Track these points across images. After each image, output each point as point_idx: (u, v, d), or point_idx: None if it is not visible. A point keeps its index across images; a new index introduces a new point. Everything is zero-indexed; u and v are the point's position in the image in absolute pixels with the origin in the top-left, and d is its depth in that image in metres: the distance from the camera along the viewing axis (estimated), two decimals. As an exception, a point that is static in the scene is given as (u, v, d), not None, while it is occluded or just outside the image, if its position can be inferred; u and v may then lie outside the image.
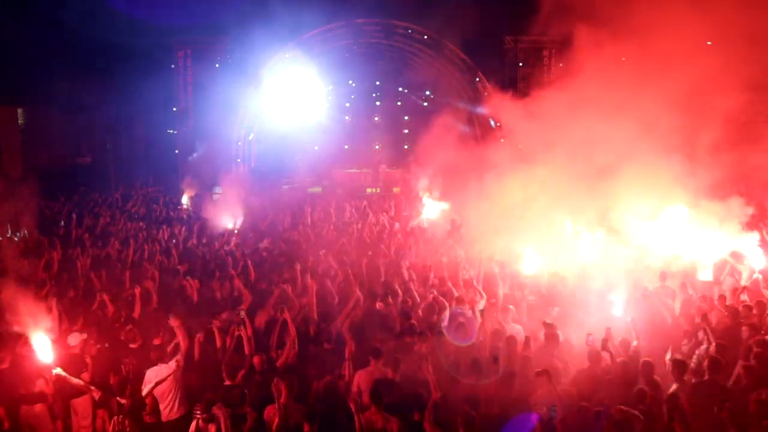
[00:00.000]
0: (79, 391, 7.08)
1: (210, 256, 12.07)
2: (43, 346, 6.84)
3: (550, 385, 6.09)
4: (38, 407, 7.02)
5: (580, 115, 11.86)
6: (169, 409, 6.85)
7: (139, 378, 6.94)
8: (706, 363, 6.50)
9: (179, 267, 10.93)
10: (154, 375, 6.83)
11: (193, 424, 6.01)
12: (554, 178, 12.01)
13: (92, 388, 6.87)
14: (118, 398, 6.52)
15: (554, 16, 13.41)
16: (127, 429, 6.12)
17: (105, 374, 7.23)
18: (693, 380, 6.52)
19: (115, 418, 6.26)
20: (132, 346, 7.79)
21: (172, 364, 6.84)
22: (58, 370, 6.78)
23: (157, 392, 6.79)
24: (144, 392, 6.72)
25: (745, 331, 7.48)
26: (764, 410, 5.51)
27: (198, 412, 5.95)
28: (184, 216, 17.22)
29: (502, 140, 15.27)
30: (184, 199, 20.48)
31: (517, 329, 8.16)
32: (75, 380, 6.90)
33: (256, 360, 7.06)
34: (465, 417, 5.37)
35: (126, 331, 7.98)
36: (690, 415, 5.53)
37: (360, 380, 6.69)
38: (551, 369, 6.44)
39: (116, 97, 23.51)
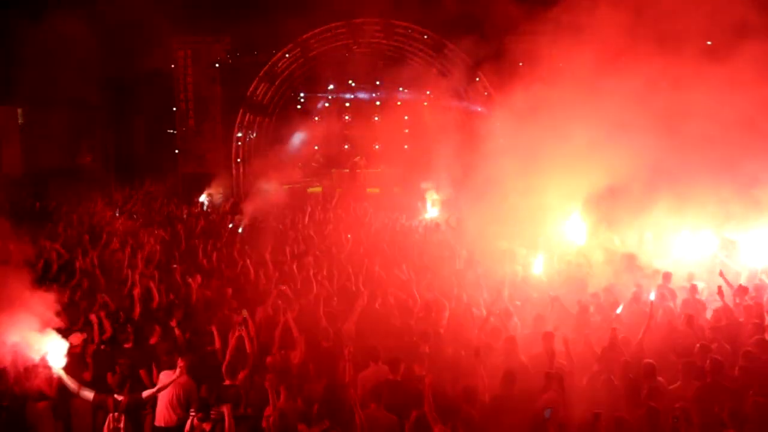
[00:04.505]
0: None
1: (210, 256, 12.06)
2: (56, 347, 6.81)
3: (559, 389, 6.06)
4: (41, 405, 7.01)
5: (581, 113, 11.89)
6: (167, 415, 6.81)
7: (136, 378, 6.93)
8: (708, 364, 6.47)
9: (178, 267, 10.93)
10: (164, 377, 6.84)
11: (188, 422, 6.01)
12: (558, 176, 12.04)
13: (84, 390, 6.81)
14: (115, 395, 6.50)
15: (555, 15, 13.41)
16: (122, 427, 6.10)
17: (105, 374, 7.24)
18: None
19: (111, 415, 6.24)
20: (126, 346, 7.77)
21: (176, 370, 6.84)
22: (60, 371, 6.77)
23: (158, 396, 6.79)
24: (145, 394, 6.72)
25: (745, 331, 7.48)
26: (762, 411, 5.51)
27: (193, 412, 5.96)
28: (184, 215, 17.22)
29: (503, 140, 15.28)
30: (203, 198, 20.71)
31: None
32: (69, 382, 6.82)
33: (268, 360, 7.03)
34: (464, 415, 5.37)
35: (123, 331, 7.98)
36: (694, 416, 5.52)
37: (364, 382, 6.65)
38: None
39: (116, 96, 23.52)
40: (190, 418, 6.01)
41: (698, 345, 6.93)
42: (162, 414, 6.83)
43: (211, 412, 6.18)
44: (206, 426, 5.83)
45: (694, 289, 9.06)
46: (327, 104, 28.03)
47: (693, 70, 10.97)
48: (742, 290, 8.78)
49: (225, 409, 5.75)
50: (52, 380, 6.96)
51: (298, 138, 24.98)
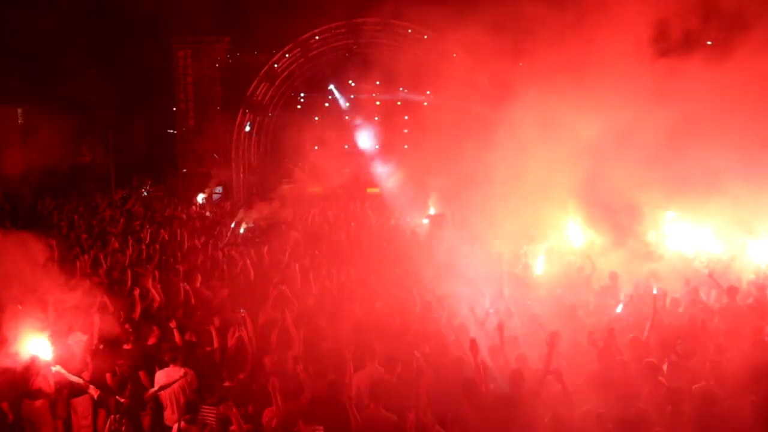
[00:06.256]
0: (78, 389, 7.08)
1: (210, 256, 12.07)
2: (41, 344, 6.84)
3: (560, 385, 6.04)
4: (39, 403, 7.01)
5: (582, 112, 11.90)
6: (174, 415, 6.80)
7: (137, 379, 6.92)
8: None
9: (179, 267, 10.93)
10: (164, 377, 6.82)
11: (175, 426, 6.01)
12: (557, 176, 12.04)
13: (91, 386, 6.88)
14: (117, 397, 6.51)
15: (555, 14, 13.41)
16: (124, 429, 6.11)
17: (104, 374, 7.25)
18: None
19: (112, 416, 6.25)
20: (125, 347, 7.77)
21: (181, 369, 6.81)
22: (57, 368, 6.77)
23: (162, 397, 6.78)
24: (147, 394, 6.71)
25: (745, 331, 7.47)
26: (760, 412, 5.50)
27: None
28: (185, 216, 17.23)
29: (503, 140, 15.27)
30: (200, 198, 20.72)
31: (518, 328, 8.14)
32: (74, 378, 6.88)
33: (266, 360, 7.02)
34: (455, 415, 5.38)
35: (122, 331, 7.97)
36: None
37: (359, 382, 6.64)
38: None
39: (116, 96, 23.53)
40: (178, 421, 6.00)
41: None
42: (167, 415, 6.84)
43: (207, 414, 6.18)
44: (194, 429, 5.81)
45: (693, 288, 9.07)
46: (326, 104, 28.06)
47: (695, 71, 10.97)
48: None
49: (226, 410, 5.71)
50: (51, 378, 6.97)
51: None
